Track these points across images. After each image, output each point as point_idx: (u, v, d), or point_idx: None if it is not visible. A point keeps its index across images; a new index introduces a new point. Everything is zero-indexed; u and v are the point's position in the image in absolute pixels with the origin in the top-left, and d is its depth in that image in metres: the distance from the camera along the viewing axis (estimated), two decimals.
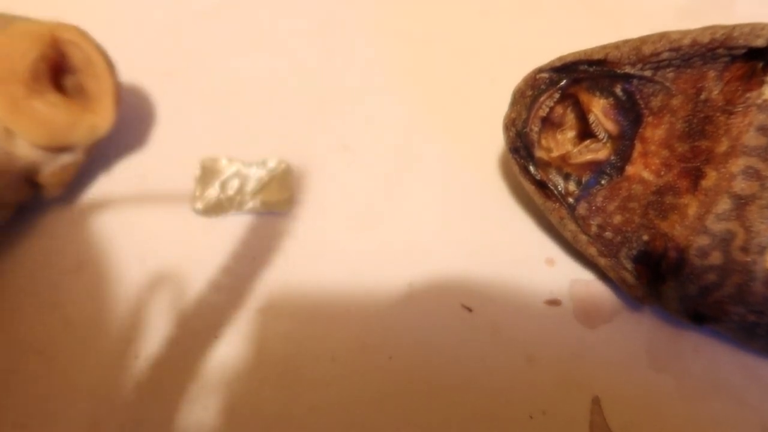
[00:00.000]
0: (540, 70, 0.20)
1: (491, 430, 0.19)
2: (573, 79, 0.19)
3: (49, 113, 0.20)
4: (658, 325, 0.21)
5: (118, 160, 0.24)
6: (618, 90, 0.19)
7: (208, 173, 0.24)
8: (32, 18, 0.22)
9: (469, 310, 0.21)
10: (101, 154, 0.24)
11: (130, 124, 0.25)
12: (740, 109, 0.17)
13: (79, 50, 0.21)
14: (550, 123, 0.20)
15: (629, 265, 0.20)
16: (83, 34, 0.21)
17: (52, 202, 0.23)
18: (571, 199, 0.20)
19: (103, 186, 0.23)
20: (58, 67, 0.22)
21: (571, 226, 0.20)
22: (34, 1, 0.29)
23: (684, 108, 0.19)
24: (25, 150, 0.21)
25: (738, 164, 0.17)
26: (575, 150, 0.20)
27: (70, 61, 0.21)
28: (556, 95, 0.20)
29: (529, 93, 0.20)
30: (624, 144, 0.20)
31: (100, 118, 0.21)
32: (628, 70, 0.19)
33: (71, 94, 0.22)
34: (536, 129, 0.20)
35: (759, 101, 0.17)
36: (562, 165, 0.20)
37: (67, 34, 0.21)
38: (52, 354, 0.20)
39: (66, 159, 0.22)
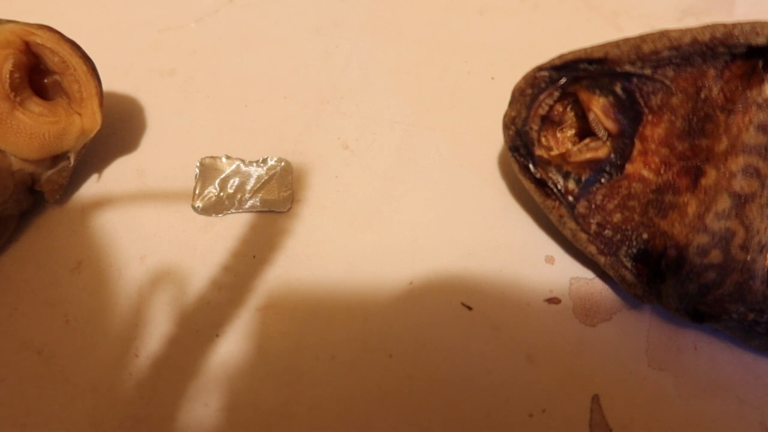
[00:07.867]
0: (540, 69, 0.20)
1: (491, 429, 0.19)
2: (573, 77, 0.19)
3: (36, 124, 0.20)
4: (657, 324, 0.21)
5: (117, 158, 0.24)
6: (618, 88, 0.19)
7: (207, 171, 0.24)
8: (4, 19, 0.20)
9: (469, 308, 0.21)
10: (101, 153, 0.24)
11: (130, 122, 0.25)
12: (740, 107, 0.17)
13: (54, 54, 0.20)
14: (549, 121, 0.20)
15: (629, 264, 0.20)
16: (58, 37, 0.20)
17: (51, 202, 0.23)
18: (570, 198, 0.20)
19: (103, 185, 0.23)
20: (35, 68, 0.20)
21: (571, 224, 0.20)
22: (36, 4, 0.29)
23: (684, 106, 0.19)
24: (22, 163, 0.20)
25: (738, 163, 0.17)
26: (575, 148, 0.20)
27: (47, 64, 0.20)
28: (556, 93, 0.20)
29: (529, 91, 0.20)
30: (624, 142, 0.20)
31: (88, 122, 0.21)
32: (628, 68, 0.19)
33: (53, 94, 0.21)
34: (536, 127, 0.20)
35: (759, 99, 0.17)
36: (562, 163, 0.20)
37: (38, 38, 0.19)
38: (52, 352, 0.20)
39: (61, 164, 0.21)
